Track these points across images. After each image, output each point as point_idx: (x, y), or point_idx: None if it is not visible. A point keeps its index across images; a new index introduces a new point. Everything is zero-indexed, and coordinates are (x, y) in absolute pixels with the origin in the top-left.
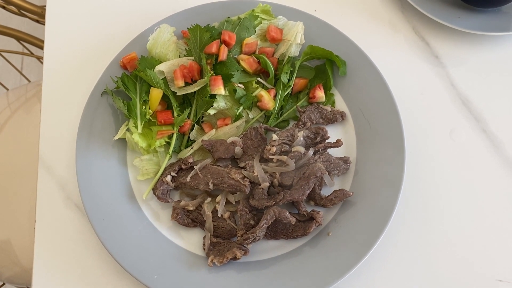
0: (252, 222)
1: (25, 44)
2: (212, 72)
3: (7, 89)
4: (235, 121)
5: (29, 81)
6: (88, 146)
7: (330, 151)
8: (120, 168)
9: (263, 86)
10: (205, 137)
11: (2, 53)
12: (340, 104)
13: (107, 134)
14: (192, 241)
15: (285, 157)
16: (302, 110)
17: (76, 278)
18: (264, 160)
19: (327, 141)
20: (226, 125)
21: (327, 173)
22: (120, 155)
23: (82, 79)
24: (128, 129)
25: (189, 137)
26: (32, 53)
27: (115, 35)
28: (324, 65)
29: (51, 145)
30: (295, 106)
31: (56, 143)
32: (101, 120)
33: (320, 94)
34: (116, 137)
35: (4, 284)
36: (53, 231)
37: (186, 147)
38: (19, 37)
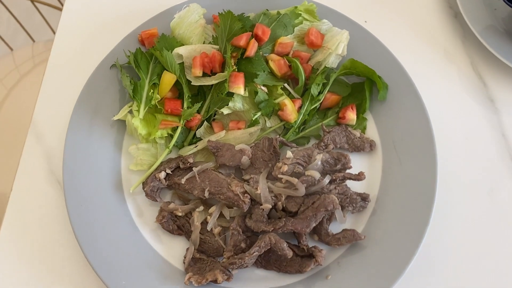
0: (243, 245)
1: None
2: (235, 67)
3: (33, 41)
4: (249, 126)
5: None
6: (84, 120)
7: (349, 183)
8: (113, 152)
9: (288, 94)
10: (213, 138)
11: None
12: (372, 131)
13: (108, 112)
14: (173, 250)
15: (296, 179)
16: (327, 130)
17: (39, 262)
18: (272, 178)
19: (348, 171)
20: (239, 129)
21: (340, 208)
22: (117, 138)
23: (95, 47)
24: (130, 111)
25: (195, 133)
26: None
27: (141, 5)
28: (362, 84)
29: (47, 111)
30: (320, 123)
31: (53, 110)
32: (104, 95)
33: (351, 115)
34: (116, 117)
35: None
36: (27, 205)
37: (190, 144)
38: None
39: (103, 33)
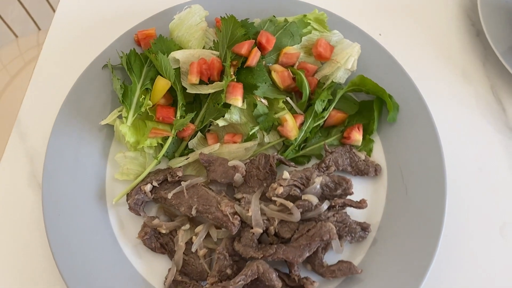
0: (229, 271)
1: None
2: (234, 77)
3: (40, 29)
4: (246, 140)
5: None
6: (70, 122)
7: (349, 210)
8: (99, 159)
9: (290, 109)
10: (206, 150)
11: None
12: (378, 155)
13: (96, 115)
14: (153, 269)
15: (292, 204)
16: (330, 150)
17: (10, 274)
18: (265, 199)
19: (349, 197)
20: (235, 142)
21: (337, 237)
22: (105, 144)
23: (90, 45)
24: (120, 116)
25: (187, 144)
26: None
27: (141, 3)
28: (371, 103)
29: (34, 109)
30: (323, 142)
31: (40, 108)
32: (94, 96)
33: (357, 136)
34: (104, 122)
35: None
36: (5, 208)
37: (181, 155)
38: None
39: (99, 30)
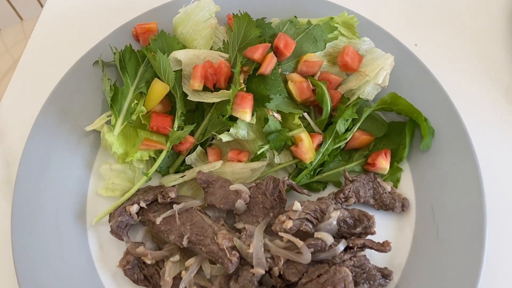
0: None
1: None
2: (243, 85)
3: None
4: (252, 160)
5: None
6: (52, 124)
7: (369, 252)
8: (81, 170)
9: (307, 126)
10: (205, 168)
11: None
12: (406, 187)
13: (83, 118)
14: None
15: (302, 242)
16: (350, 178)
17: None
18: (271, 232)
19: (369, 236)
20: (239, 161)
21: (353, 286)
22: (90, 152)
23: (82, 37)
24: (108, 122)
25: (184, 159)
26: None
27: None
28: (402, 126)
29: (14, 105)
30: (343, 168)
31: (20, 107)
32: (82, 96)
33: (383, 164)
34: (90, 127)
35: None
36: None
37: (176, 171)
38: None
39: (93, 21)
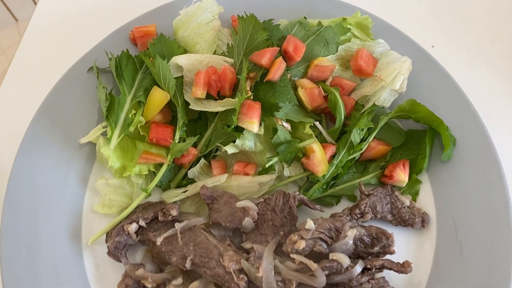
0: None
1: None
2: (250, 93)
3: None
4: (260, 173)
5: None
6: (44, 136)
7: (386, 271)
8: (76, 184)
9: (318, 136)
10: (209, 182)
11: None
12: (426, 200)
13: (77, 129)
14: None
15: (315, 265)
16: (366, 192)
17: None
18: (281, 253)
19: (388, 256)
20: (246, 174)
21: None
22: (85, 166)
23: (76, 41)
24: (104, 133)
25: (187, 173)
26: None
27: None
28: (422, 134)
29: (4, 115)
30: (358, 180)
31: (11, 115)
32: (76, 105)
33: (401, 175)
34: (84, 140)
35: None
36: None
37: (178, 186)
38: None
39: (88, 24)
